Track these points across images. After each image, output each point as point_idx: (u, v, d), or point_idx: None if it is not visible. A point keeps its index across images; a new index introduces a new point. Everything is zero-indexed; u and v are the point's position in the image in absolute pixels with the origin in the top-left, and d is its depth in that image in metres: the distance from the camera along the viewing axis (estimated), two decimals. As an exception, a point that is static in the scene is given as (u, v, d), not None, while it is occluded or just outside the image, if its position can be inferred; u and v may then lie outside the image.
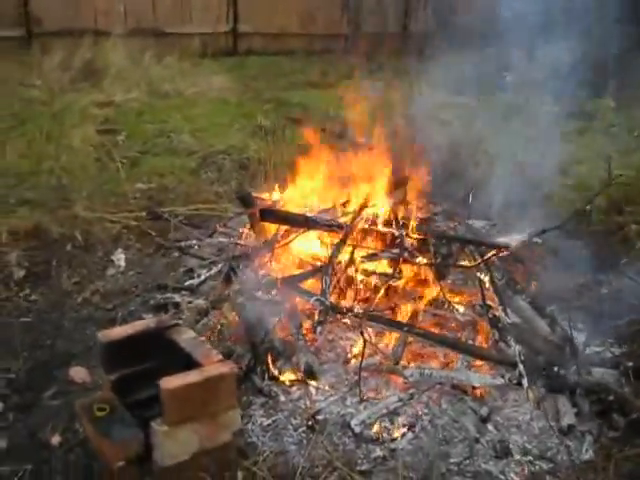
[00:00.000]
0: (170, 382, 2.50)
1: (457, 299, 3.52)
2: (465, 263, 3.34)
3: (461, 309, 3.42)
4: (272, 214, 3.52)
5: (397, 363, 3.23)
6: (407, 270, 3.56)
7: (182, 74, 8.70)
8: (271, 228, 3.75)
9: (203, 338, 2.86)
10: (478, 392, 3.20)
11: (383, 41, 10.89)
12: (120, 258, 4.34)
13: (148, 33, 9.96)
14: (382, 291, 3.32)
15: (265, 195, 3.98)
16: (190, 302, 3.64)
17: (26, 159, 5.80)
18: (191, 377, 2.54)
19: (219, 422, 2.63)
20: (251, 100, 8.20)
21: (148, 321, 2.94)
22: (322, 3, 11.62)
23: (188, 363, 2.70)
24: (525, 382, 3.02)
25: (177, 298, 3.79)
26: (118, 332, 2.84)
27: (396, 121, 6.63)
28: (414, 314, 3.40)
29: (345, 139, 6.54)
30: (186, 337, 2.80)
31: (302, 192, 3.90)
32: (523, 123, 7.24)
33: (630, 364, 3.38)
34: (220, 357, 2.67)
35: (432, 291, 3.43)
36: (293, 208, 3.72)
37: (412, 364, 3.28)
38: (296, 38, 11.30)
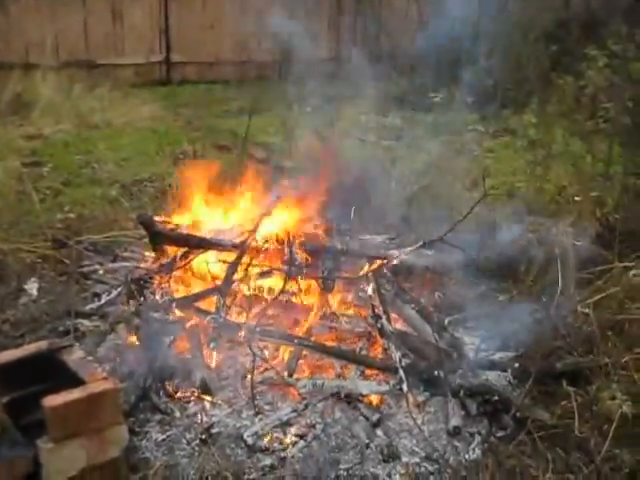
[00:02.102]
0: (53, 400, 2.59)
1: (351, 311, 3.67)
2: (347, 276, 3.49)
3: (353, 320, 3.57)
4: (162, 236, 3.64)
5: (291, 375, 3.35)
6: (303, 285, 3.71)
7: (112, 105, 8.79)
8: (174, 250, 3.87)
9: (91, 358, 2.93)
10: (374, 400, 3.34)
11: (315, 67, 11.13)
12: (33, 287, 4.39)
13: (80, 65, 10.06)
14: (268, 306, 3.46)
15: (169, 218, 4.09)
16: (95, 326, 3.72)
17: (-54, 194, 5.83)
18: (74, 394, 2.63)
19: (106, 438, 2.72)
20: (180, 128, 8.31)
21: (40, 344, 3.02)
22: (254, 30, 11.81)
23: (77, 382, 2.79)
24: (405, 387, 3.16)
25: (86, 323, 3.88)
26: (8, 355, 2.92)
27: (316, 144, 6.84)
28: (309, 327, 3.54)
29: (267, 163, 6.73)
30: (74, 357, 2.89)
31: (205, 214, 4.03)
32: (443, 141, 7.50)
33: (516, 365, 3.56)
34: (104, 375, 2.77)
35: (324, 304, 3.58)
36: (194, 230, 3.84)
37: (307, 376, 3.42)
38: (230, 66, 11.44)
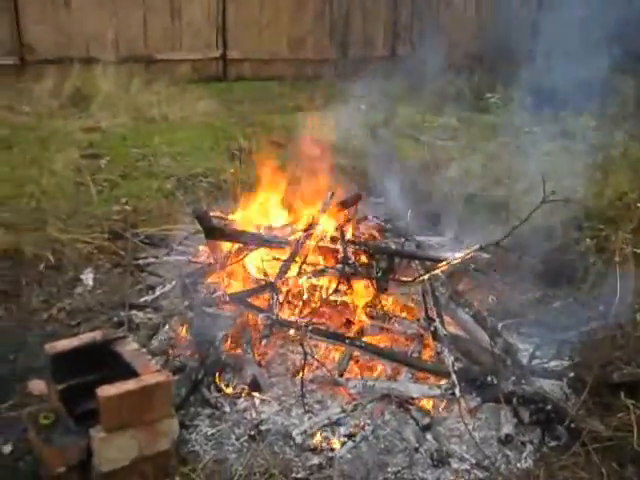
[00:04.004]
0: (107, 390, 2.62)
1: (404, 313, 3.64)
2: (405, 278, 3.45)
3: (405, 322, 3.54)
4: (216, 232, 3.66)
5: (341, 375, 3.33)
6: (358, 285, 3.68)
7: (169, 100, 8.88)
8: (227, 245, 3.88)
9: (144, 350, 2.96)
10: (426, 403, 3.30)
11: (371, 65, 11.10)
12: (89, 277, 4.46)
13: (139, 60, 10.20)
14: (323, 305, 3.44)
15: (225, 214, 4.12)
16: (149, 318, 3.76)
17: (8, 183, 5.95)
18: (128, 385, 2.66)
19: (157, 429, 2.74)
20: (235, 124, 8.35)
21: (94, 334, 3.06)
22: (311, 28, 11.84)
23: (131, 373, 2.82)
24: (457, 392, 3.12)
25: (140, 315, 3.92)
26: (65, 344, 2.97)
27: (369, 142, 6.82)
28: (361, 327, 3.52)
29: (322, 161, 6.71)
30: (129, 349, 2.92)
31: (259, 210, 4.04)
32: (499, 142, 7.40)
33: (571, 374, 3.48)
34: (157, 367, 2.80)
35: (377, 304, 3.55)
36: (248, 226, 3.85)
37: (357, 376, 3.40)
38: (285, 63, 11.49)
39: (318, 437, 3.07)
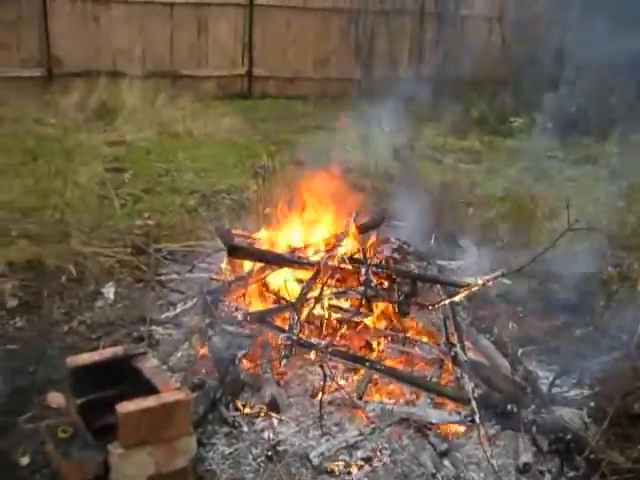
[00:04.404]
0: (126, 406, 2.63)
1: (425, 338, 3.63)
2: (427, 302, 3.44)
3: (425, 347, 3.53)
4: (239, 250, 3.67)
5: (360, 398, 3.32)
6: (378, 308, 3.68)
7: (194, 115, 8.96)
8: (249, 264, 3.90)
9: (164, 367, 2.97)
10: (444, 429, 3.28)
11: (395, 86, 11.13)
12: (110, 291, 4.49)
13: (165, 75, 10.32)
14: (344, 327, 3.44)
15: (249, 233, 4.14)
16: (169, 334, 3.77)
17: (33, 194, 6.02)
18: (147, 402, 2.67)
19: (175, 447, 2.74)
20: (259, 142, 8.40)
21: (116, 349, 3.08)
22: (336, 48, 11.91)
23: (151, 390, 2.83)
24: (477, 419, 3.09)
25: (160, 331, 3.94)
26: (85, 358, 2.99)
27: (391, 164, 6.83)
28: (380, 350, 3.51)
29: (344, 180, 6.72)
30: (149, 365, 2.93)
31: (282, 230, 4.05)
32: (522, 167, 7.38)
33: (592, 404, 3.44)
34: (177, 385, 2.80)
35: (397, 328, 3.54)
36: (270, 246, 3.86)
37: (375, 399, 3.38)
38: (310, 82, 11.56)
39: (335, 460, 3.05)
